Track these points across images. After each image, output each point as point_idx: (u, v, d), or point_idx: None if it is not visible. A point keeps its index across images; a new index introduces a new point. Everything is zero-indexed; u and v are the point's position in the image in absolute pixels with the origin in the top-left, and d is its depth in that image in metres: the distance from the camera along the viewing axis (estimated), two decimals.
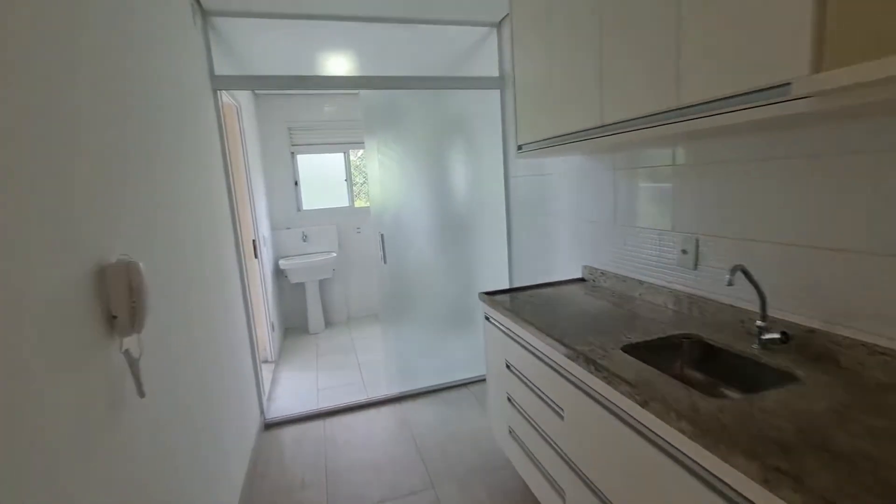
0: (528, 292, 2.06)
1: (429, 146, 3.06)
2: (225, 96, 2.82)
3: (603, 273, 2.04)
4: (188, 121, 1.93)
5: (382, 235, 2.79)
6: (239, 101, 3.25)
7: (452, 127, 3.15)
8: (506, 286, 3.07)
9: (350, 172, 4.75)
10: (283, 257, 4.49)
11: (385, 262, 2.83)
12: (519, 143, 2.01)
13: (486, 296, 2.04)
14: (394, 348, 3.03)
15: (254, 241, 3.45)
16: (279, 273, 4.38)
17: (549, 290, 2.09)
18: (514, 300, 1.94)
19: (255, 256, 3.48)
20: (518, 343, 1.75)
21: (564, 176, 2.29)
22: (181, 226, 1.67)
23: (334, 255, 4.49)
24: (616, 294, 1.91)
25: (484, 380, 3.11)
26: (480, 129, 3.12)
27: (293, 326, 4.66)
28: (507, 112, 2.89)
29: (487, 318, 2.03)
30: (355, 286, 4.89)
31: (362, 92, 2.82)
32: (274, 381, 3.37)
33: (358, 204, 4.87)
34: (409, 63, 3.05)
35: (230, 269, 2.40)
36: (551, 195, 2.46)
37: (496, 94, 2.90)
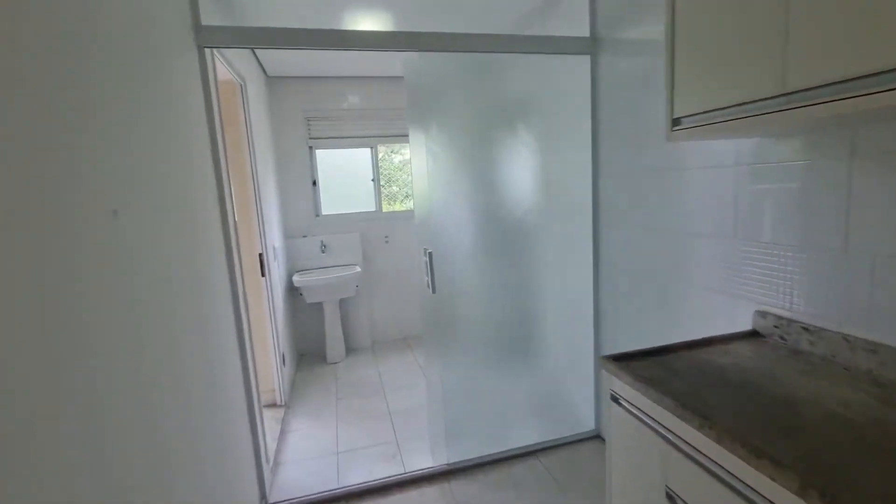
0: (679, 356, 1.28)
1: (491, 136, 2.31)
2: (222, 67, 2.11)
3: (808, 329, 1.24)
4: (153, 91, 1.23)
5: (430, 254, 2.03)
6: (243, 78, 2.56)
7: (519, 110, 2.39)
8: (590, 322, 2.29)
9: (378, 171, 4.03)
10: (298, 271, 3.79)
11: (434, 292, 2.07)
12: (675, 116, 1.23)
13: (612, 362, 1.26)
14: (439, 400, 2.28)
15: (260, 255, 2.75)
16: (292, 290, 3.67)
17: (711, 351, 1.30)
18: (669, 373, 1.16)
19: (263, 274, 2.78)
20: (693, 460, 0.98)
21: (720, 169, 1.51)
22: (136, 242, 0.95)
23: (358, 269, 3.76)
24: (849, 366, 1.12)
25: (559, 446, 2.32)
26: (559, 112, 2.35)
27: (309, 352, 3.95)
28: (599, 87, 2.11)
29: (616, 400, 1.26)
30: (382, 306, 4.16)
31: (406, 65, 2.09)
32: (283, 434, 2.65)
33: (386, 208, 4.15)
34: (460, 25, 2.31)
35: (217, 293, 1.68)
36: (681, 199, 1.67)
37: (585, 62, 2.13)
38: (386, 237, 4.09)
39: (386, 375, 3.45)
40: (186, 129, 1.52)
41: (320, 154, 3.89)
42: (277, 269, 3.23)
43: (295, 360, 3.67)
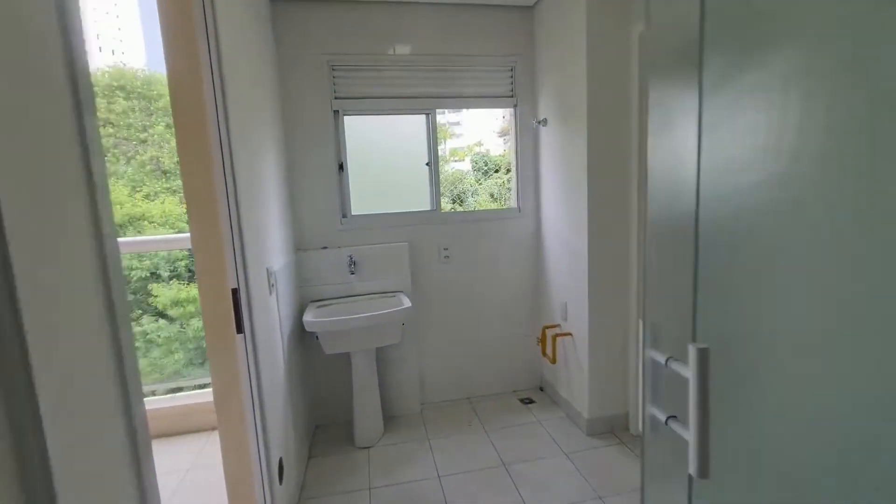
0: None
1: None
2: None
3: None
4: None
5: (702, 353, 0.67)
6: None
7: None
8: None
9: (435, 150, 2.67)
10: (314, 301, 2.48)
11: (702, 476, 0.69)
12: None
13: None
14: None
15: (235, 291, 1.43)
16: (303, 333, 2.35)
17: None
18: None
19: (239, 329, 1.46)
20: None
21: None
22: None
23: (405, 302, 2.40)
24: None
25: None
26: None
27: (328, 425, 2.63)
28: None
29: None
30: (438, 354, 2.81)
31: None
32: None
33: (445, 207, 2.79)
34: None
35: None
36: None
37: None
38: (446, 250, 2.73)
39: (451, 481, 2.09)
40: None
41: (350, 123, 2.56)
42: (277, 304, 1.91)
43: (307, 439, 2.36)
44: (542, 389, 2.95)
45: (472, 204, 3.61)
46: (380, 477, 2.15)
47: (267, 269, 1.77)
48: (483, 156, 4.04)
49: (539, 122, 2.65)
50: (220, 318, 1.46)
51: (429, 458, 2.27)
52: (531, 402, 2.81)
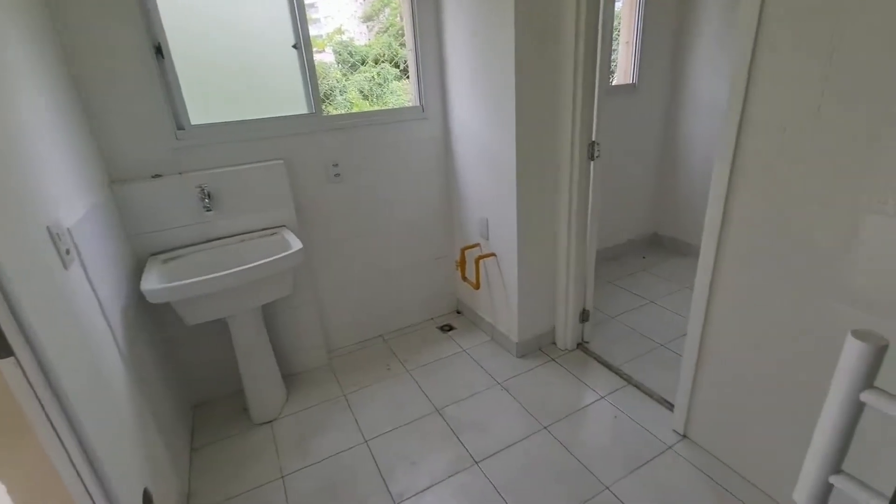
0: None
1: None
2: None
3: None
4: None
5: None
6: None
7: None
8: None
9: (304, 24, 1.90)
10: (158, 255, 1.75)
11: None
12: None
13: None
14: None
15: None
16: (147, 306, 1.64)
17: None
18: None
19: (4, 353, 0.81)
20: None
21: None
22: None
23: (295, 245, 1.80)
24: None
25: None
26: None
27: (212, 400, 2.08)
28: None
29: None
30: (343, 293, 2.33)
31: None
32: None
33: (333, 110, 2.13)
34: None
35: None
36: None
37: None
38: (335, 166, 2.12)
39: (375, 427, 1.78)
40: None
41: None
42: (87, 277, 1.22)
43: (184, 431, 1.82)
44: (459, 312, 2.71)
45: (342, 104, 2.93)
46: (292, 457, 1.75)
47: (49, 230, 1.05)
48: (346, 45, 3.27)
49: None
50: None
51: (349, 420, 1.92)
52: (451, 328, 2.56)
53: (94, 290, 1.24)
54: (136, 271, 1.67)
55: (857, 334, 0.39)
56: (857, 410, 0.40)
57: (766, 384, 1.39)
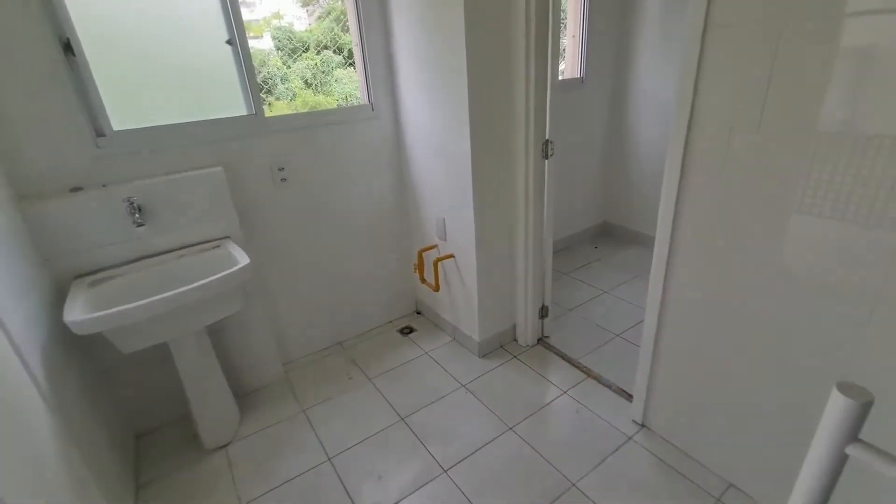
0: None
1: None
2: None
3: None
4: None
5: None
6: None
7: None
8: None
9: (238, 18, 1.75)
10: (83, 277, 1.57)
11: None
12: None
13: None
14: None
15: None
16: (73, 341, 1.47)
17: None
18: None
19: None
20: None
21: None
22: None
23: (241, 260, 1.66)
24: None
25: None
26: None
27: (156, 428, 1.93)
28: None
29: None
30: (295, 301, 2.22)
31: None
32: None
33: (273, 110, 1.99)
34: None
35: None
36: None
37: None
38: (281, 170, 1.99)
39: (338, 443, 1.72)
40: None
41: None
42: None
43: (127, 465, 1.67)
44: (419, 313, 2.67)
45: (284, 93, 2.76)
46: (251, 484, 1.66)
47: None
48: (286, 30, 3.08)
49: None
50: None
51: (310, 438, 1.84)
52: (411, 330, 2.52)
53: (6, 332, 1.08)
54: (58, 299, 1.49)
55: (842, 388, 0.38)
56: (840, 463, 0.40)
57: (720, 370, 1.45)
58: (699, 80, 1.24)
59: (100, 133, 1.59)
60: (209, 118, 1.78)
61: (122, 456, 1.67)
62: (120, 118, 1.62)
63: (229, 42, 1.76)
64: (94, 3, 1.50)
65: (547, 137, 1.93)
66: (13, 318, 1.15)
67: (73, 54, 1.48)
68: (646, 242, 3.25)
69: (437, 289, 2.28)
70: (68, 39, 1.47)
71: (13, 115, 1.42)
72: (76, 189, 1.57)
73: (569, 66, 3.00)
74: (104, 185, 1.60)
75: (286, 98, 2.55)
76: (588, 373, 2.08)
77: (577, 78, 2.98)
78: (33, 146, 1.48)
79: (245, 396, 2.07)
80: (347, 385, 2.12)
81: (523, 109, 1.85)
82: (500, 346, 2.31)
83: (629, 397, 1.89)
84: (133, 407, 1.84)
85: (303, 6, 3.60)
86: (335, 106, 2.19)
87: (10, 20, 1.36)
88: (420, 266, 2.33)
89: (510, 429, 1.82)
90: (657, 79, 2.93)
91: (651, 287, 1.57)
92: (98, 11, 1.51)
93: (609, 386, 2.00)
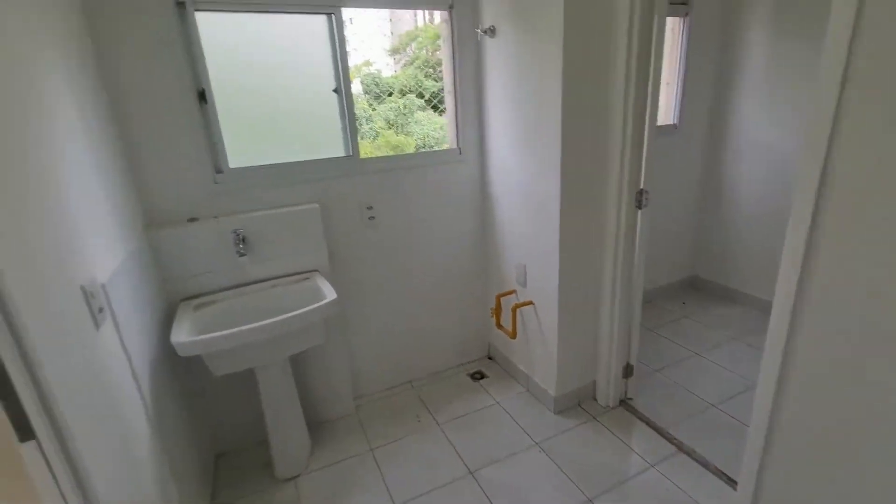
0: None
1: None
2: None
3: None
4: None
5: None
6: None
7: None
8: None
9: (345, 69, 1.89)
10: (189, 300, 1.71)
11: None
12: None
13: None
14: None
15: None
16: (174, 359, 1.58)
17: None
18: None
19: (27, 436, 0.74)
20: None
21: None
22: None
23: (329, 295, 1.71)
24: None
25: None
26: None
27: (235, 450, 2.00)
28: None
29: None
30: (373, 340, 2.25)
31: None
32: None
33: (367, 152, 2.10)
34: None
35: None
36: None
37: None
38: (370, 209, 2.07)
39: (406, 490, 1.66)
40: None
41: (208, 24, 1.65)
42: (118, 335, 1.17)
43: (206, 483, 1.73)
44: (490, 358, 2.58)
45: (368, 133, 2.93)
46: None
47: (83, 289, 1.00)
48: (374, 76, 3.30)
49: (485, 31, 1.99)
50: None
51: (377, 479, 1.80)
52: (482, 376, 2.44)
53: (124, 347, 1.18)
54: (167, 319, 1.62)
55: None
56: None
57: (853, 464, 1.22)
58: (833, 141, 1.11)
59: (218, 170, 1.75)
60: (311, 158, 1.91)
61: (203, 472, 1.74)
62: (235, 156, 1.78)
63: (336, 90, 1.89)
64: (229, 56, 1.69)
65: (641, 186, 1.84)
66: (133, 339, 1.25)
67: (206, 102, 1.67)
68: (741, 301, 2.94)
69: (514, 335, 2.20)
70: (203, 89, 1.66)
71: (153, 155, 1.62)
72: (193, 219, 1.73)
73: (662, 112, 2.89)
74: (215, 217, 1.75)
75: (370, 137, 2.69)
76: (680, 446, 1.86)
77: (671, 124, 2.85)
78: (166, 182, 1.66)
79: (317, 426, 2.09)
80: (416, 427, 2.08)
81: (618, 157, 1.79)
82: (578, 403, 2.15)
83: (731, 482, 1.65)
84: (216, 428, 1.93)
85: (390, 55, 3.87)
86: (414, 145, 2.27)
87: (160, 74, 1.57)
88: (497, 311, 2.27)
89: (589, 500, 1.65)
90: (758, 127, 2.73)
91: (767, 353, 1.38)
92: (231, 63, 1.70)
93: (704, 465, 1.77)
